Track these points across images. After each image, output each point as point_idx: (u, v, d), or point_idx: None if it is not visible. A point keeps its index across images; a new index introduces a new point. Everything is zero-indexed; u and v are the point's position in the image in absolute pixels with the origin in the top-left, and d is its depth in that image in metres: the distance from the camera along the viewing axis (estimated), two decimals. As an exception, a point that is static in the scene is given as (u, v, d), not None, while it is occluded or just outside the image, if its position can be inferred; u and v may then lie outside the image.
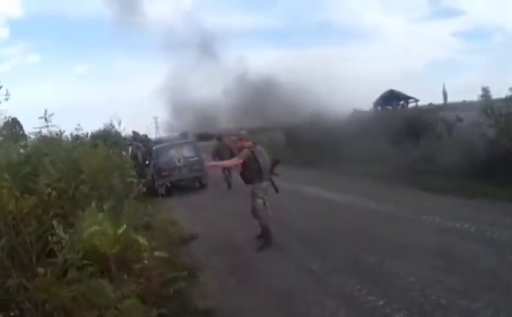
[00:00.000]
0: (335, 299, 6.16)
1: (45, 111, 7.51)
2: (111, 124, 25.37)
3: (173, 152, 19.76)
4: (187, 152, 19.85)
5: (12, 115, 9.85)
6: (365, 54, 76.76)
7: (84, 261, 5.01)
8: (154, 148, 21.00)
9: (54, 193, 5.83)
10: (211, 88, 43.62)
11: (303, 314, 5.94)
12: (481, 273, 6.30)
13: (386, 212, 10.48)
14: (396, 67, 77.78)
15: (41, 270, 4.83)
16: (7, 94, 7.35)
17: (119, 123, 24.56)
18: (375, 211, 10.79)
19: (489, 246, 7.43)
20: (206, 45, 46.02)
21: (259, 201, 9.10)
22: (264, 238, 9.18)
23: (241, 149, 9.36)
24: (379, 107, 40.78)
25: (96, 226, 5.25)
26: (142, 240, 5.88)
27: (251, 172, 9.13)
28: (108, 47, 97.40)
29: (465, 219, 8.94)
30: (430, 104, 24.09)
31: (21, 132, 12.03)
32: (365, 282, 6.56)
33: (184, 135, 26.12)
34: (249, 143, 9.37)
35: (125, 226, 5.57)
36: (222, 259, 8.83)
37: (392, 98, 46.64)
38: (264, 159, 9.23)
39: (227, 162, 9.25)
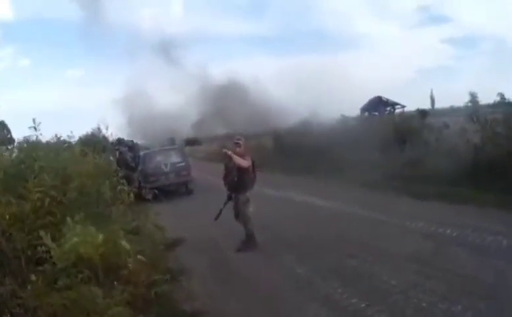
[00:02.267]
0: (318, 302, 6.29)
1: (34, 120, 7.57)
2: (99, 129, 25.40)
3: (160, 157, 19.85)
4: (173, 157, 20.00)
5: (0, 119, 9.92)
6: (354, 61, 77.32)
7: (73, 269, 5.08)
8: (141, 153, 21.03)
9: (46, 199, 5.91)
10: (184, 95, 43.92)
11: (287, 316, 6.07)
12: (462, 277, 6.46)
13: (371, 218, 10.63)
14: (385, 73, 78.33)
15: (33, 277, 4.90)
16: None
17: (107, 128, 24.56)
18: (361, 217, 10.94)
19: (471, 251, 7.60)
20: (171, 53, 46.31)
21: (251, 209, 9.20)
22: (248, 242, 9.32)
23: (241, 155, 9.32)
24: (366, 113, 41.00)
25: (75, 238, 5.31)
26: (125, 244, 5.95)
27: (250, 178, 9.25)
28: (99, 51, 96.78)
29: (448, 224, 9.12)
30: (417, 110, 24.38)
31: (9, 135, 12.08)
32: (348, 285, 6.70)
33: (171, 140, 26.17)
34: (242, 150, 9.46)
35: (101, 236, 5.61)
36: (208, 263, 8.94)
37: (379, 104, 46.87)
38: None
39: (242, 160, 9.12)
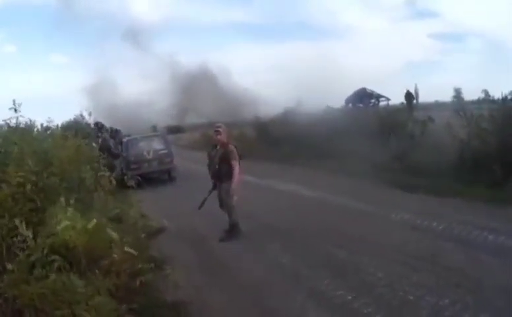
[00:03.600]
0: (304, 293, 6.23)
1: (14, 101, 7.28)
2: (82, 115, 25.33)
3: (142, 144, 19.72)
4: (156, 144, 19.92)
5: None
6: (341, 52, 77.35)
7: (52, 257, 4.93)
8: (123, 140, 20.84)
9: (25, 185, 5.73)
10: (156, 83, 43.58)
11: (272, 307, 5.99)
12: (449, 270, 6.45)
13: (357, 209, 10.63)
14: (371, 65, 78.33)
15: (9, 266, 4.76)
16: None
17: (90, 115, 24.49)
18: (347, 208, 10.94)
19: (457, 244, 7.60)
20: (146, 41, 45.80)
21: (235, 198, 9.09)
22: (232, 232, 9.25)
23: (224, 144, 9.27)
24: (350, 105, 41.07)
25: (66, 221, 5.18)
26: (114, 234, 5.82)
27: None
28: (79, 38, 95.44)
29: (434, 217, 9.13)
30: (402, 103, 24.38)
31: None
32: (334, 277, 6.66)
33: (153, 128, 26.01)
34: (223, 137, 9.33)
35: (95, 220, 5.50)
36: (191, 252, 8.85)
37: (363, 96, 46.91)
38: None
39: (236, 165, 9.07)
